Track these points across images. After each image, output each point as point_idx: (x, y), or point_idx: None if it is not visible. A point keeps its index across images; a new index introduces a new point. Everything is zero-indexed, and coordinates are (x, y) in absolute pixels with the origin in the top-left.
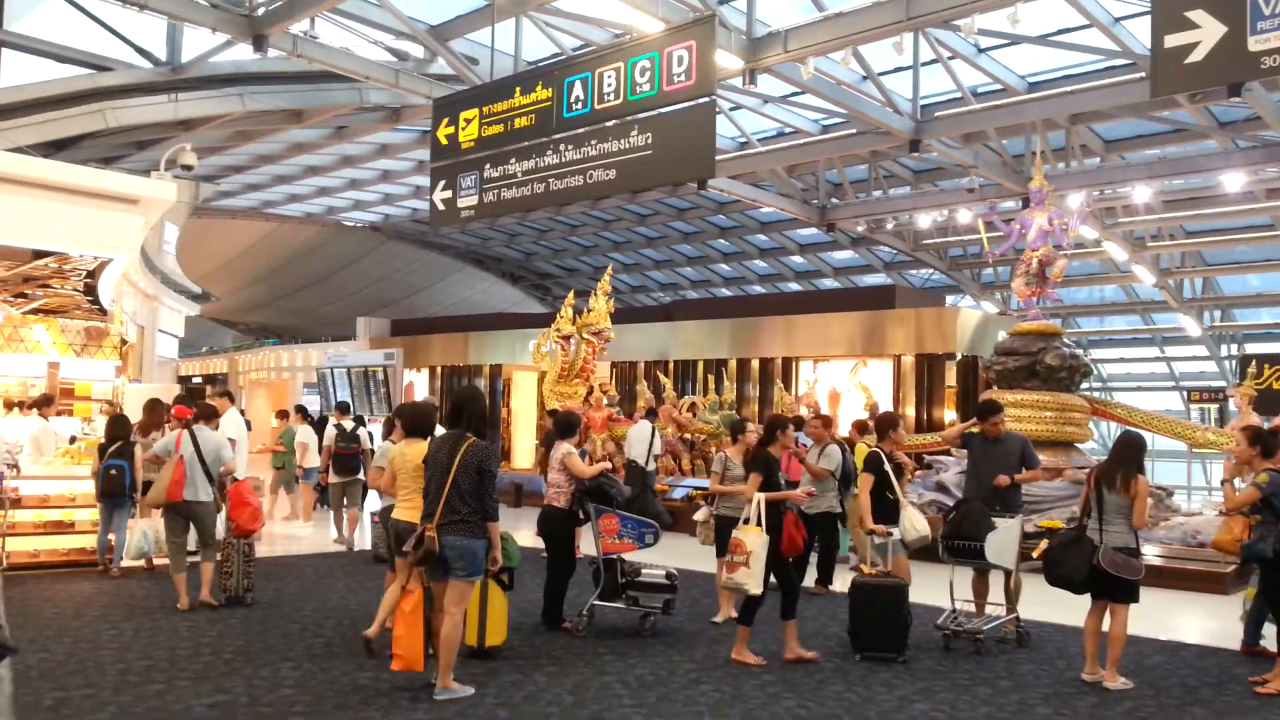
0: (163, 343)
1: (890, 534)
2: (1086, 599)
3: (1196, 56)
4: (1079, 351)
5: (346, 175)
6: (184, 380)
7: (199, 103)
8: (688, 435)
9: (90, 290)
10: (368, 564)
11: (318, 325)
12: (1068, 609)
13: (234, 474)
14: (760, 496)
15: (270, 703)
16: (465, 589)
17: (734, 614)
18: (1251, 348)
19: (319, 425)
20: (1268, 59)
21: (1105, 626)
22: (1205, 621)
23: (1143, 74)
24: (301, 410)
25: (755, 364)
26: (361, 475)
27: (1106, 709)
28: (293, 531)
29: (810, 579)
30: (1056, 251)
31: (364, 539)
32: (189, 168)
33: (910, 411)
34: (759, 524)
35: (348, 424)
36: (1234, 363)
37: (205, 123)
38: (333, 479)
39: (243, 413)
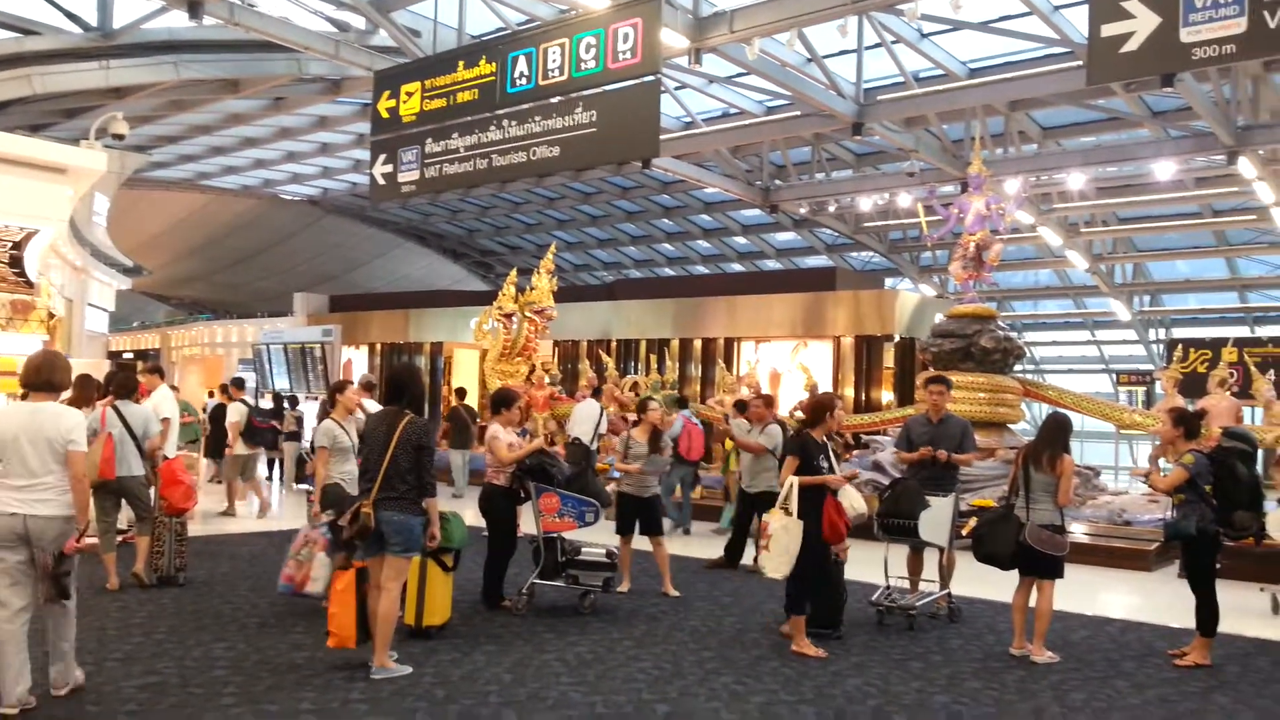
0: (92, 317)
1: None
2: (1015, 575)
3: (1131, 46)
4: (1013, 334)
5: (284, 147)
6: (114, 356)
7: (131, 70)
8: (630, 415)
9: (16, 262)
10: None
11: (253, 300)
12: (997, 585)
13: (164, 452)
14: (795, 480)
15: (202, 683)
16: (402, 565)
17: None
18: (1179, 332)
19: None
20: (1199, 50)
21: (1032, 602)
22: (1129, 597)
23: (1080, 62)
24: (237, 384)
25: (698, 344)
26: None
27: (1033, 681)
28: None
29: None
30: (993, 236)
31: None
32: (120, 137)
33: (849, 392)
34: (787, 510)
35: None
36: (1161, 347)
37: (137, 91)
38: (239, 450)
39: (175, 389)
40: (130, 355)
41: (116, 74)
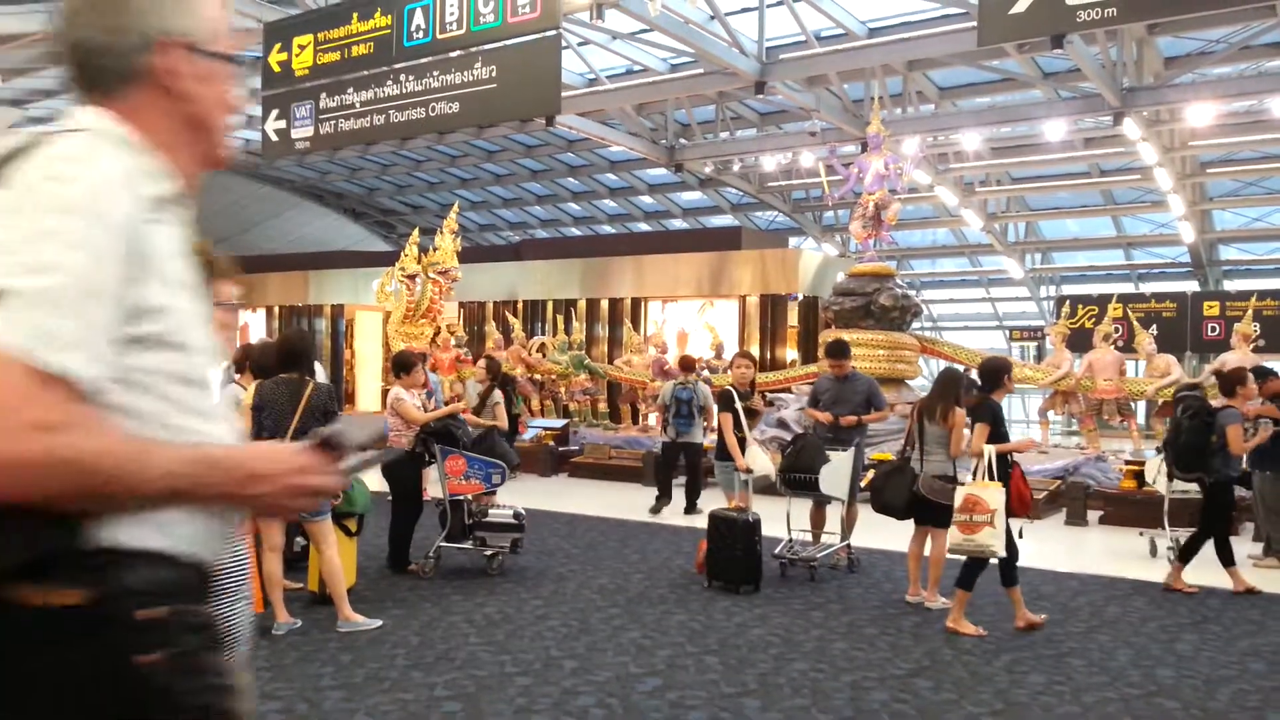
0: None
1: (751, 471)
2: (911, 526)
3: (1019, 8)
4: (911, 292)
5: None
6: None
7: (1, 19)
8: (537, 376)
9: None
10: None
11: None
12: (895, 536)
13: None
14: (991, 449)
15: None
16: (319, 529)
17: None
18: (1068, 289)
19: None
20: (1083, 13)
21: (927, 551)
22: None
23: (975, 24)
24: None
25: (605, 304)
26: None
27: (927, 626)
28: None
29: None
30: (891, 195)
31: None
32: None
33: (754, 350)
34: (992, 478)
35: None
36: (1051, 303)
37: (9, 41)
38: None
39: None
40: None
41: None
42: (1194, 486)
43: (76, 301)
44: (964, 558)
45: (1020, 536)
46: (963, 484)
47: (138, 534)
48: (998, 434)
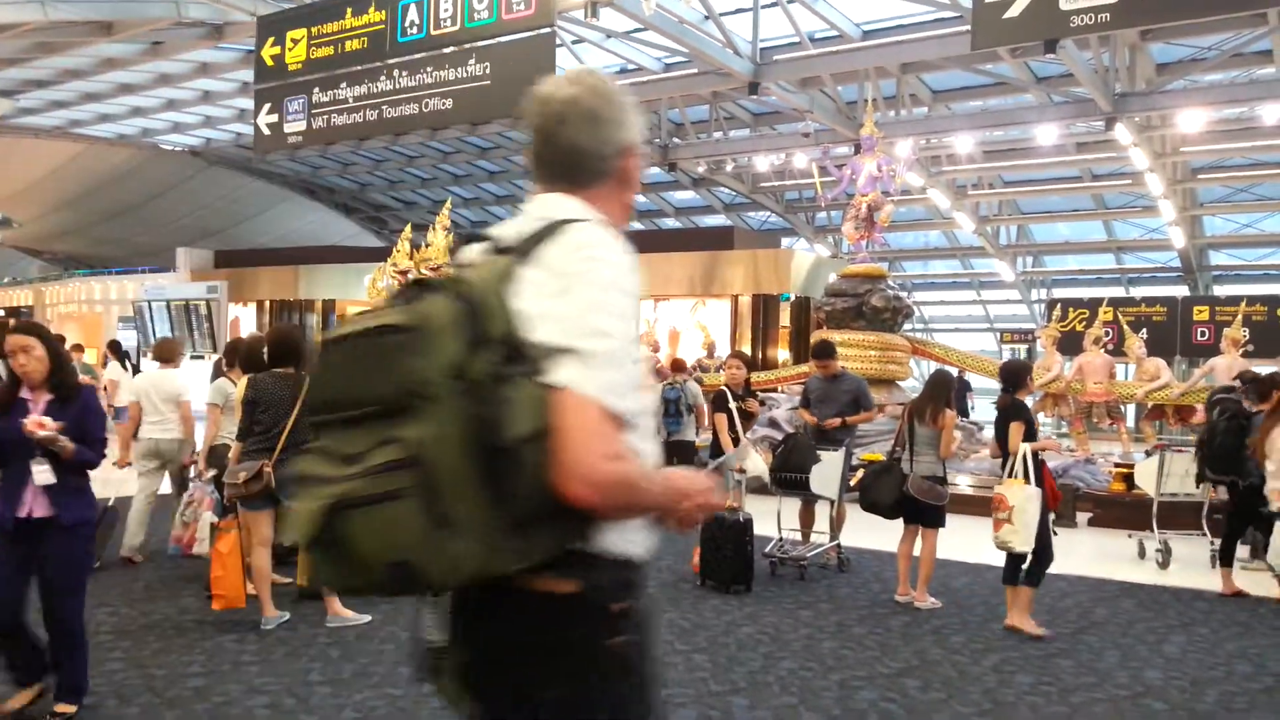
0: None
1: (744, 471)
2: (901, 526)
3: (1013, 12)
4: (903, 294)
5: (164, 95)
6: None
7: None
8: None
9: None
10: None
11: (133, 256)
12: (884, 536)
13: None
14: (1026, 447)
15: None
16: None
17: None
18: (1059, 292)
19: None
20: (1077, 18)
21: (916, 551)
22: None
23: (969, 27)
24: (114, 346)
25: None
26: None
27: (917, 626)
28: (106, 474)
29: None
30: (884, 197)
31: None
32: None
33: (746, 350)
34: (1025, 478)
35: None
36: (1042, 306)
37: (2, 31)
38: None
39: (80, 349)
40: (1, 313)
41: None
42: (1185, 490)
43: (623, 359)
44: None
45: (1055, 534)
46: (954, 485)
47: (614, 540)
48: (1030, 433)
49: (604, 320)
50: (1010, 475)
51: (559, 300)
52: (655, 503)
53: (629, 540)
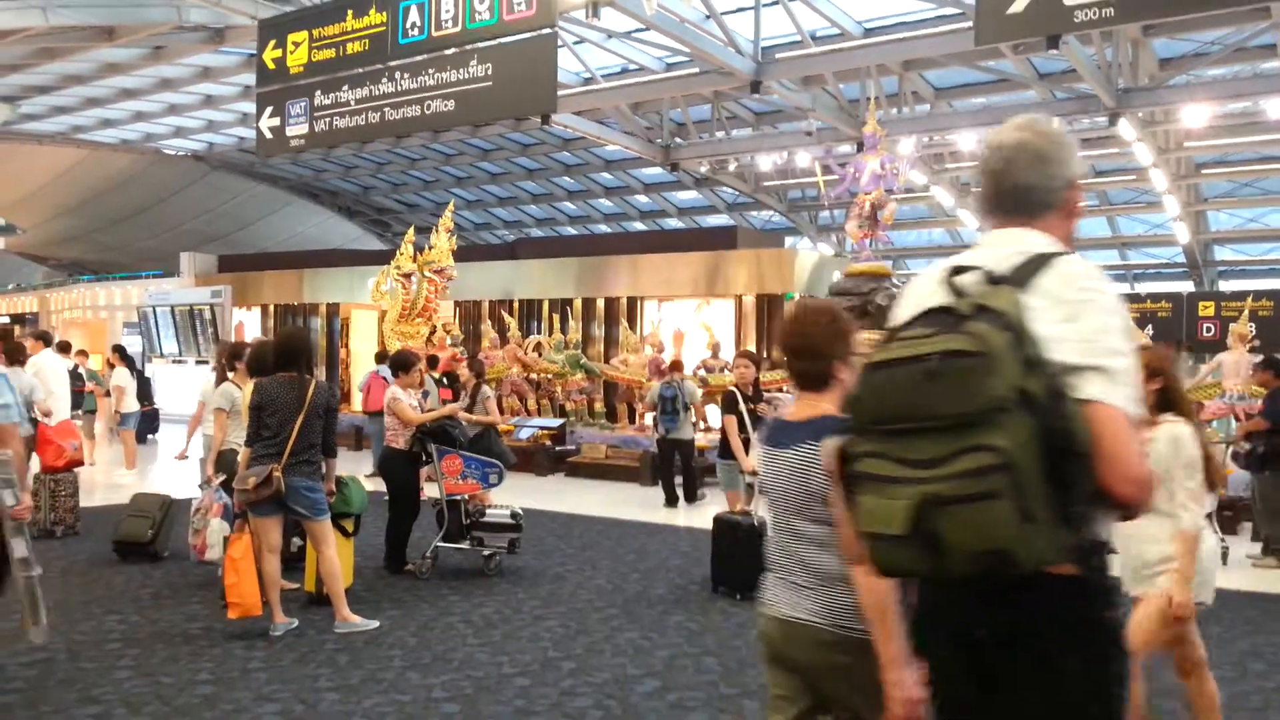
0: None
1: (756, 473)
2: None
3: (1017, 8)
4: None
5: (166, 100)
6: None
7: None
8: (533, 375)
9: None
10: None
11: (137, 261)
12: None
13: (49, 416)
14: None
15: (94, 657)
16: (319, 529)
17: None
18: None
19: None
20: (1080, 13)
21: None
22: None
23: (970, 24)
24: (119, 351)
25: (600, 303)
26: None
27: None
28: (115, 480)
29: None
30: (888, 195)
31: None
32: None
33: (750, 349)
34: None
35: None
36: None
37: (3, 37)
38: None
39: (85, 354)
40: (6, 319)
41: None
42: None
43: (1133, 373)
44: None
45: None
46: None
47: (1097, 530)
48: None
49: (1116, 341)
50: None
51: (1069, 325)
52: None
53: (1103, 527)
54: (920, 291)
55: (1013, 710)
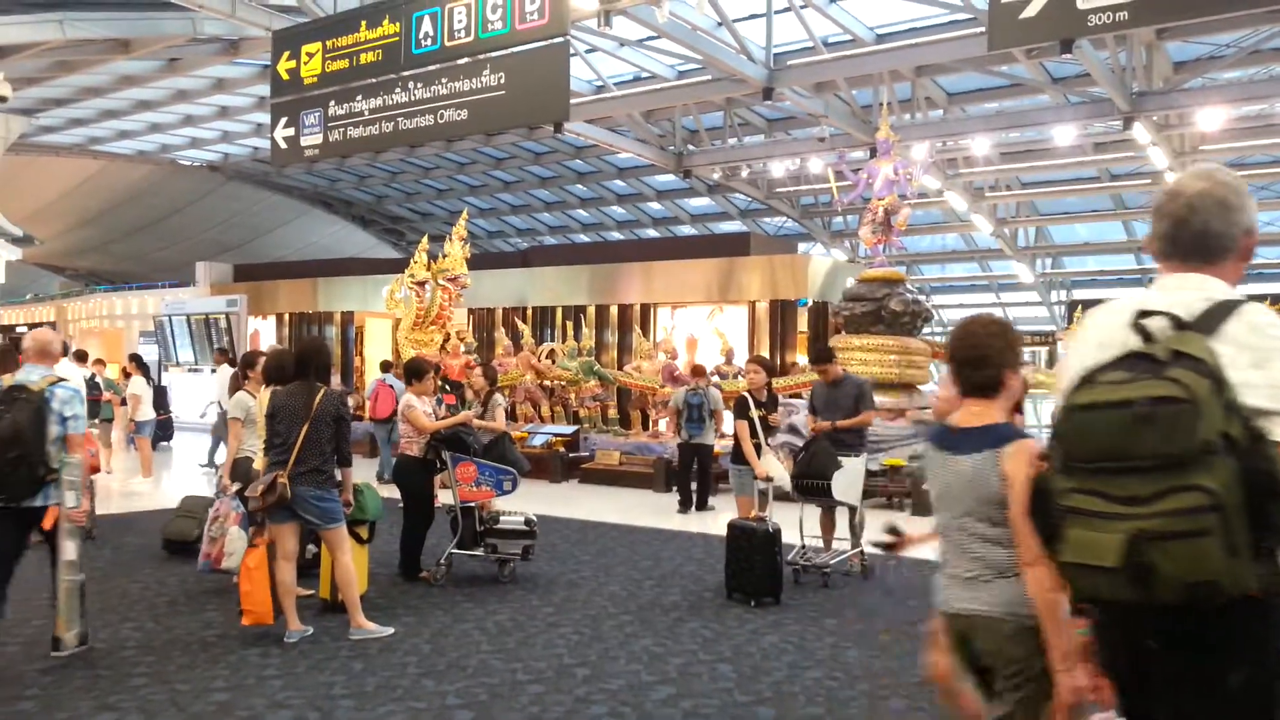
0: None
1: (770, 479)
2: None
3: (1030, 12)
4: (921, 297)
5: (181, 111)
6: (6, 330)
7: (13, 28)
8: (547, 382)
9: None
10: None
11: (154, 271)
12: None
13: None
14: None
15: (111, 665)
16: (334, 536)
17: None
18: (1079, 293)
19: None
20: (1094, 17)
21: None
22: None
23: (983, 29)
24: (136, 360)
25: (614, 310)
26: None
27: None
28: (131, 488)
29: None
30: (901, 201)
31: None
32: (3, 99)
33: (762, 355)
34: None
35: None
36: (1062, 308)
37: (21, 50)
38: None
39: (102, 362)
40: (24, 329)
41: None
42: None
43: None
44: None
45: None
46: None
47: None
48: None
49: None
50: None
51: (1257, 371)
52: None
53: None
54: (1103, 330)
55: (1174, 715)
